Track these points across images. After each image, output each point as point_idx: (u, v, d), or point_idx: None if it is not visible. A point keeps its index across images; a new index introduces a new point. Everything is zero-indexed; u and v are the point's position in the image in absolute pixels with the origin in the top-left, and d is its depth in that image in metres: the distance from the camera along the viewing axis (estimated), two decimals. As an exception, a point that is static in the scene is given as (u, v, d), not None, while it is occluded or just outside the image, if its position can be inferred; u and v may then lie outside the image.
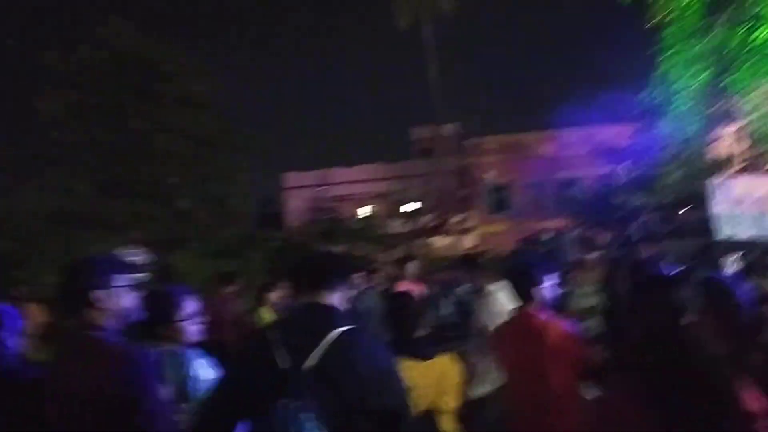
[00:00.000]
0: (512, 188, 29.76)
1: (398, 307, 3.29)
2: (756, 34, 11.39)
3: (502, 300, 4.52)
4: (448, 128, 30.65)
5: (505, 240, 19.92)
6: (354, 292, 4.90)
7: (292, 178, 32.38)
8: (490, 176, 29.61)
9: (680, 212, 10.80)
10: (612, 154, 13.27)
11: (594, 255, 8.50)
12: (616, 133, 15.87)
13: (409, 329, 3.19)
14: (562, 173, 27.73)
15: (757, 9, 11.29)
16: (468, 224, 28.92)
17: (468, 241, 27.63)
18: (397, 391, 2.32)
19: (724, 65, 12.36)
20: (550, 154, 28.28)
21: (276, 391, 2.18)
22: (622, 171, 12.68)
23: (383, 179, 31.81)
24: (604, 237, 10.11)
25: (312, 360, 2.19)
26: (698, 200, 9.86)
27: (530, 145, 29.39)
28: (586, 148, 21.09)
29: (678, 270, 6.76)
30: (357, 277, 6.15)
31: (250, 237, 14.90)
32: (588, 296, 5.73)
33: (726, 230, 9.29)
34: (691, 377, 2.13)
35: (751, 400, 2.17)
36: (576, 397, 3.15)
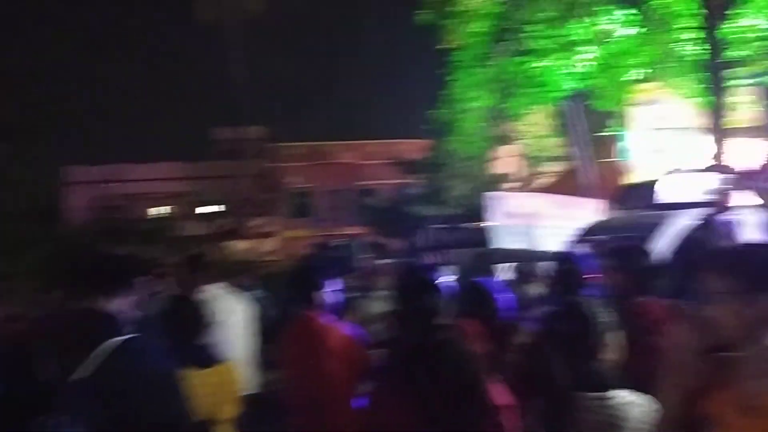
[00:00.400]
0: (314, 194, 30.26)
1: (179, 312, 3.18)
2: (529, 65, 12.78)
3: (223, 301, 4.55)
4: (253, 131, 30.30)
5: (304, 245, 20.20)
6: (138, 297, 4.63)
7: (76, 172, 29.64)
8: (293, 182, 29.84)
9: (464, 224, 11.74)
10: (407, 166, 14.11)
11: (385, 261, 8.92)
12: (412, 147, 16.90)
13: (190, 335, 3.09)
14: (361, 182, 28.84)
15: (532, 43, 12.67)
16: (268, 229, 28.81)
17: (267, 246, 27.50)
18: (175, 401, 2.24)
19: (504, 91, 13.70)
20: (351, 163, 29.32)
21: (33, 407, 2.00)
22: (415, 183, 13.56)
23: (181, 179, 30.49)
24: (396, 244, 10.64)
25: (83, 371, 2.04)
26: (479, 213, 10.77)
27: (333, 153, 30.17)
28: (384, 159, 22.14)
29: (454, 276, 7.32)
30: (141, 281, 5.82)
31: (19, 236, 13.42)
32: (378, 301, 5.97)
33: (500, 241, 10.23)
34: (447, 375, 2.32)
35: (499, 395, 2.42)
36: (350, 396, 3.28)
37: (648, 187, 6.88)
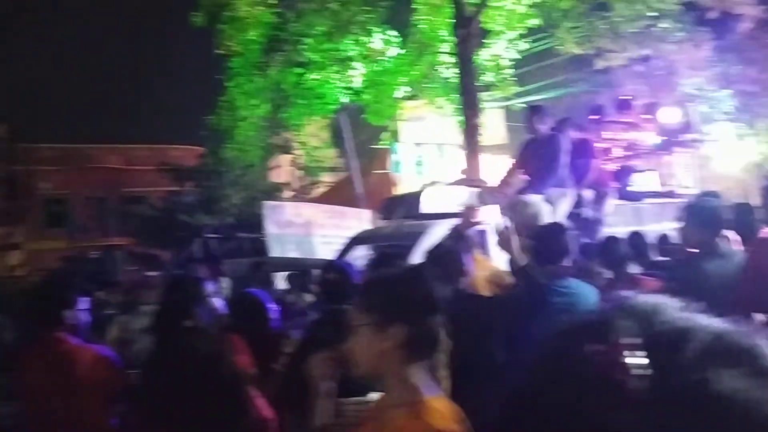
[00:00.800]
0: (71, 202, 27.23)
1: None
2: (306, 77, 13.01)
3: None
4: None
5: (55, 258, 18.27)
6: None
7: None
8: (45, 187, 26.59)
9: (239, 233, 11.55)
10: (180, 173, 13.52)
11: (152, 274, 8.42)
12: (186, 153, 16.23)
13: None
14: (127, 188, 26.73)
15: (308, 55, 12.91)
16: (14, 240, 25.33)
17: (13, 259, 24.32)
18: None
19: (281, 101, 13.77)
20: (116, 168, 27.07)
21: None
22: (188, 191, 13.03)
23: None
24: (165, 256, 10.11)
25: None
26: (256, 222, 10.67)
27: (93, 157, 27.51)
28: (154, 165, 20.86)
29: (228, 288, 7.15)
30: None
31: None
32: (142, 317, 5.60)
33: (276, 250, 10.23)
34: (208, 391, 2.24)
35: (263, 408, 2.39)
36: (106, 421, 3.02)
37: (411, 198, 7.35)
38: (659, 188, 7.87)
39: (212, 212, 11.55)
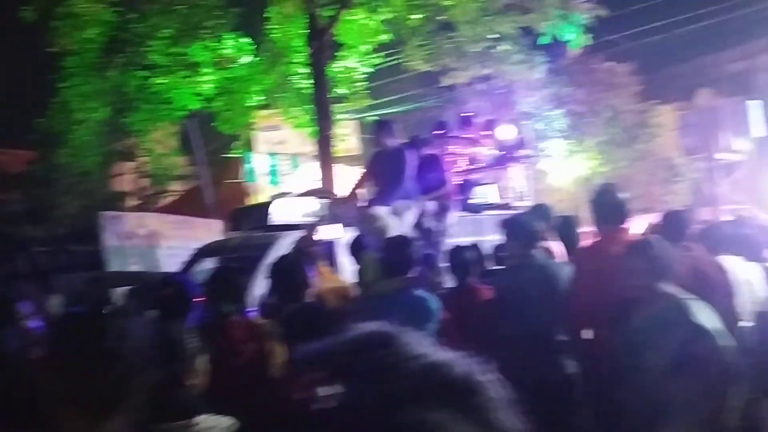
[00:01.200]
0: None
1: None
2: (152, 81, 12.36)
3: None
4: None
5: None
6: None
7: None
8: None
9: (73, 246, 10.71)
10: (4, 179, 12.25)
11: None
12: (12, 158, 14.83)
13: None
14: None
15: (154, 58, 12.28)
16: None
17: None
18: None
19: (123, 105, 12.96)
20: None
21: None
22: (15, 199, 11.86)
23: None
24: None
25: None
26: (92, 233, 9.95)
27: None
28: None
29: (60, 305, 6.58)
30: None
31: None
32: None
33: (116, 264, 9.61)
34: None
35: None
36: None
37: (260, 209, 7.22)
38: (498, 200, 8.29)
39: (41, 223, 10.59)
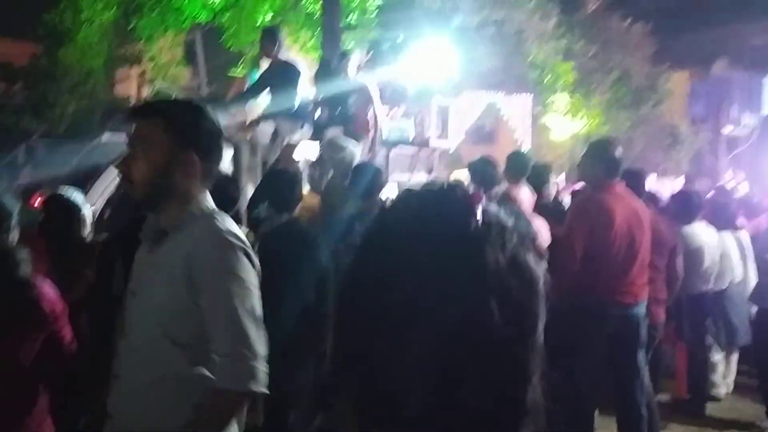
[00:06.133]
0: None
1: None
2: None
3: None
4: None
5: None
6: None
7: None
8: None
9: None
10: (8, 70, 12.25)
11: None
12: (15, 50, 14.77)
13: None
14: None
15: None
16: None
17: None
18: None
19: (133, 8, 12.86)
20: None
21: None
22: (17, 91, 11.89)
23: None
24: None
25: None
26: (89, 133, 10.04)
27: None
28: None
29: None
30: None
31: None
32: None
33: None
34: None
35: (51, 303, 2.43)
36: None
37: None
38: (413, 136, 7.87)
39: (42, 117, 10.67)
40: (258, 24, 13.60)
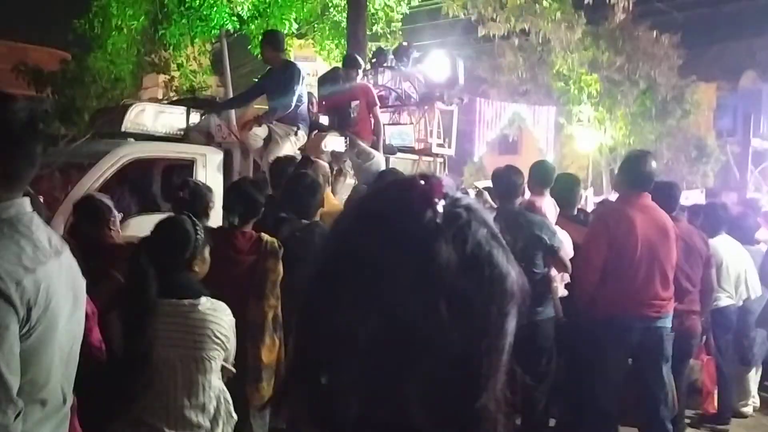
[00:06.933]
0: None
1: None
2: (191, -4, 12.41)
3: None
4: None
5: None
6: None
7: None
8: None
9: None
10: (37, 76, 12.49)
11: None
12: (45, 56, 15.09)
13: None
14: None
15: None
16: None
17: None
18: None
19: (162, 16, 13.06)
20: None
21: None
22: (47, 96, 12.12)
23: None
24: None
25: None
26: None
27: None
28: (8, 64, 19.05)
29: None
30: None
31: None
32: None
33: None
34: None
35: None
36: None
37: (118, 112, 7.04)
38: (413, 143, 7.68)
39: (70, 122, 10.87)
40: (285, 33, 13.72)
